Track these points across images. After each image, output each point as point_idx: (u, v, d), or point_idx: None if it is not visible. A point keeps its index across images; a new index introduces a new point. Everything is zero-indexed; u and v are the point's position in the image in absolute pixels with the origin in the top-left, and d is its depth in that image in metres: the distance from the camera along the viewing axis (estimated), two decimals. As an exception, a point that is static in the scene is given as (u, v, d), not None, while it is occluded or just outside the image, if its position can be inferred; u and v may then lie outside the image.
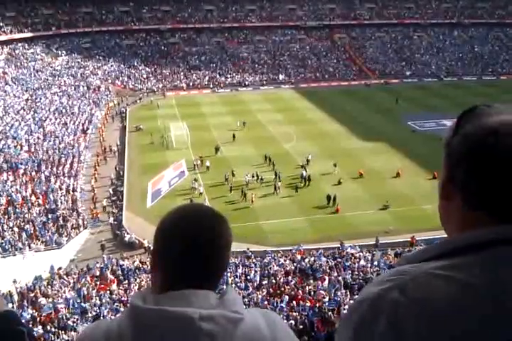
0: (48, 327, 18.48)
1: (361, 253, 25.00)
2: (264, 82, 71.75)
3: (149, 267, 1.26)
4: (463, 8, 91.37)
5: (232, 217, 28.06)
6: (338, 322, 1.03)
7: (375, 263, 23.45)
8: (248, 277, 22.63)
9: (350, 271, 22.42)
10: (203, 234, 1.24)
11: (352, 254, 24.87)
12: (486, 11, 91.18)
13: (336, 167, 36.52)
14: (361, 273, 21.84)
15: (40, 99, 53.91)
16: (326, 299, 19.28)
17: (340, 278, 21.42)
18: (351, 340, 0.95)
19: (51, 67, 66.18)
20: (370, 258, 24.44)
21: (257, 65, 77.04)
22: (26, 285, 23.08)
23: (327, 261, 23.83)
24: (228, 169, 36.78)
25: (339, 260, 23.99)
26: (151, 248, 1.34)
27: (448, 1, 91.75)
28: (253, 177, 34.87)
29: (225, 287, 1.29)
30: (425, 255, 0.98)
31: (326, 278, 21.73)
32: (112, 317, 18.01)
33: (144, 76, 71.56)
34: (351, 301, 18.87)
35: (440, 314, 0.86)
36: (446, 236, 1.05)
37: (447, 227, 1.05)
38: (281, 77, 73.72)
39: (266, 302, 19.20)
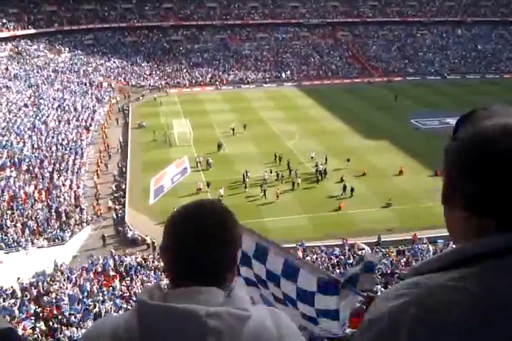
0: (51, 323, 18.57)
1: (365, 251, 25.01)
2: (267, 80, 71.65)
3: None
4: (466, 6, 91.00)
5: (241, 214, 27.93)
6: (352, 339, 1.00)
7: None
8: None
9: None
10: (209, 229, 1.24)
11: (354, 252, 24.92)
12: (490, 9, 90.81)
13: (349, 162, 36.86)
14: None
15: (43, 95, 53.96)
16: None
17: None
18: None
19: (54, 63, 66.20)
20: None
21: (259, 63, 76.92)
22: (29, 281, 23.15)
23: (329, 258, 23.90)
24: (231, 166, 37.33)
25: (341, 257, 24.03)
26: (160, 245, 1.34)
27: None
28: (271, 172, 35.40)
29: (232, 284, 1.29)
30: (434, 265, 0.97)
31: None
32: (115, 313, 18.07)
33: (147, 73, 71.55)
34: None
35: (460, 329, 0.84)
36: (448, 234, 1.06)
37: (452, 234, 1.05)
38: (283, 74, 73.62)
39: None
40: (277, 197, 31.97)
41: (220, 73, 72.90)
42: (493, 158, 0.92)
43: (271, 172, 35.47)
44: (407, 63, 79.16)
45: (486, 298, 0.85)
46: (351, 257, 23.97)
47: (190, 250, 1.22)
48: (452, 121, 50.64)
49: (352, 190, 32.41)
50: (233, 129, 45.67)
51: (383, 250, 25.65)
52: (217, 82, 69.61)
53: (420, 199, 31.37)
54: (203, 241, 1.22)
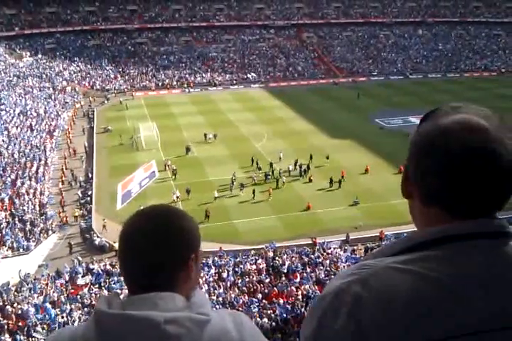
0: (16, 336, 18.04)
1: (333, 249, 25.32)
2: (234, 82, 71.68)
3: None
4: (427, 7, 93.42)
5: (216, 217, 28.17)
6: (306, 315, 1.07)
7: (347, 258, 23.78)
8: (222, 276, 22.58)
9: (322, 267, 22.68)
10: (157, 234, 1.22)
11: (323, 250, 25.18)
12: (449, 10, 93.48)
13: (327, 159, 38.02)
14: (333, 269, 22.10)
15: (4, 101, 52.41)
16: (300, 296, 19.47)
17: (312, 274, 21.67)
18: (315, 332, 1.00)
19: (15, 68, 64.45)
20: (341, 253, 24.78)
21: (226, 65, 76.87)
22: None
23: (301, 258, 24.07)
24: (200, 169, 37.40)
25: (312, 256, 24.22)
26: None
27: None
28: (260, 169, 36.39)
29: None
30: (390, 250, 1.05)
31: (298, 275, 21.93)
32: (83, 322, 17.67)
33: (112, 76, 70.48)
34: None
35: (398, 306, 0.91)
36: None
37: (415, 224, 1.13)
38: (250, 76, 73.77)
39: (241, 302, 19.26)
40: (270, 194, 32.70)
41: (187, 76, 72.48)
42: (446, 151, 0.98)
43: (260, 169, 36.34)
44: (371, 63, 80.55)
45: (429, 278, 0.93)
46: (320, 256, 24.23)
47: (141, 256, 1.21)
48: (415, 120, 51.58)
49: (340, 181, 33.86)
50: (205, 135, 44.99)
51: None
52: (185, 85, 69.12)
53: (386, 196, 31.94)
54: (152, 248, 1.21)
